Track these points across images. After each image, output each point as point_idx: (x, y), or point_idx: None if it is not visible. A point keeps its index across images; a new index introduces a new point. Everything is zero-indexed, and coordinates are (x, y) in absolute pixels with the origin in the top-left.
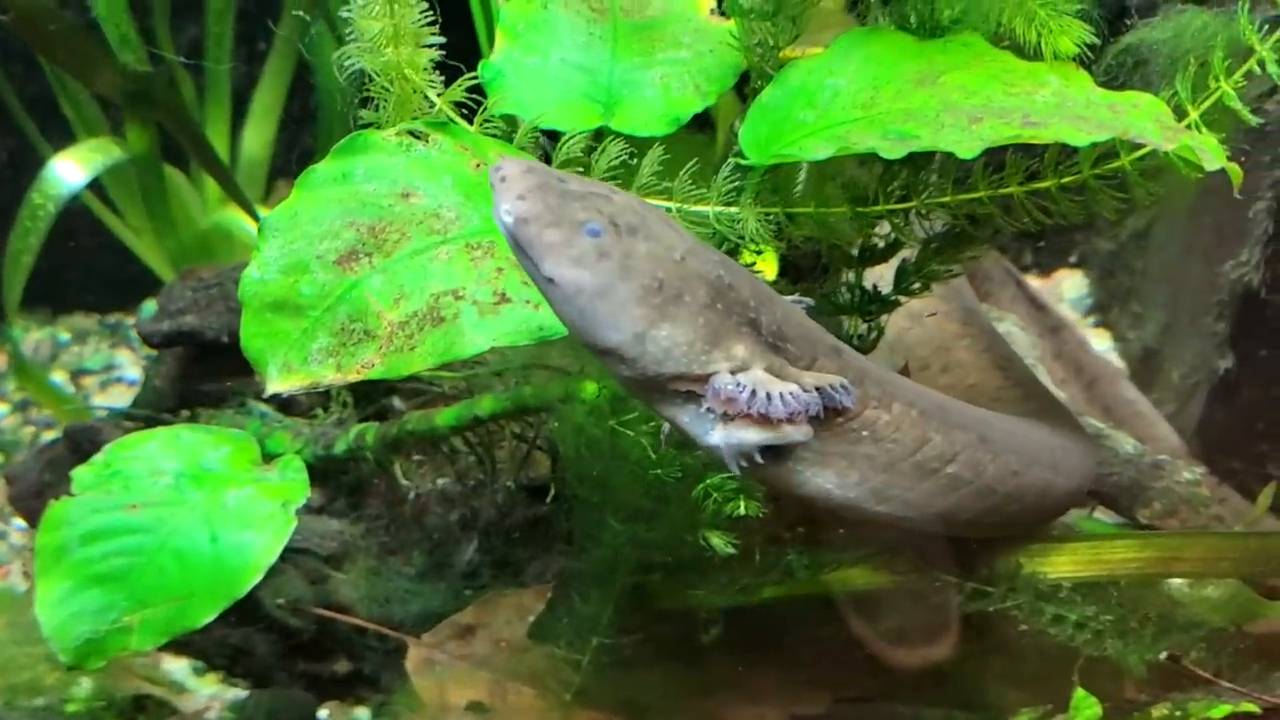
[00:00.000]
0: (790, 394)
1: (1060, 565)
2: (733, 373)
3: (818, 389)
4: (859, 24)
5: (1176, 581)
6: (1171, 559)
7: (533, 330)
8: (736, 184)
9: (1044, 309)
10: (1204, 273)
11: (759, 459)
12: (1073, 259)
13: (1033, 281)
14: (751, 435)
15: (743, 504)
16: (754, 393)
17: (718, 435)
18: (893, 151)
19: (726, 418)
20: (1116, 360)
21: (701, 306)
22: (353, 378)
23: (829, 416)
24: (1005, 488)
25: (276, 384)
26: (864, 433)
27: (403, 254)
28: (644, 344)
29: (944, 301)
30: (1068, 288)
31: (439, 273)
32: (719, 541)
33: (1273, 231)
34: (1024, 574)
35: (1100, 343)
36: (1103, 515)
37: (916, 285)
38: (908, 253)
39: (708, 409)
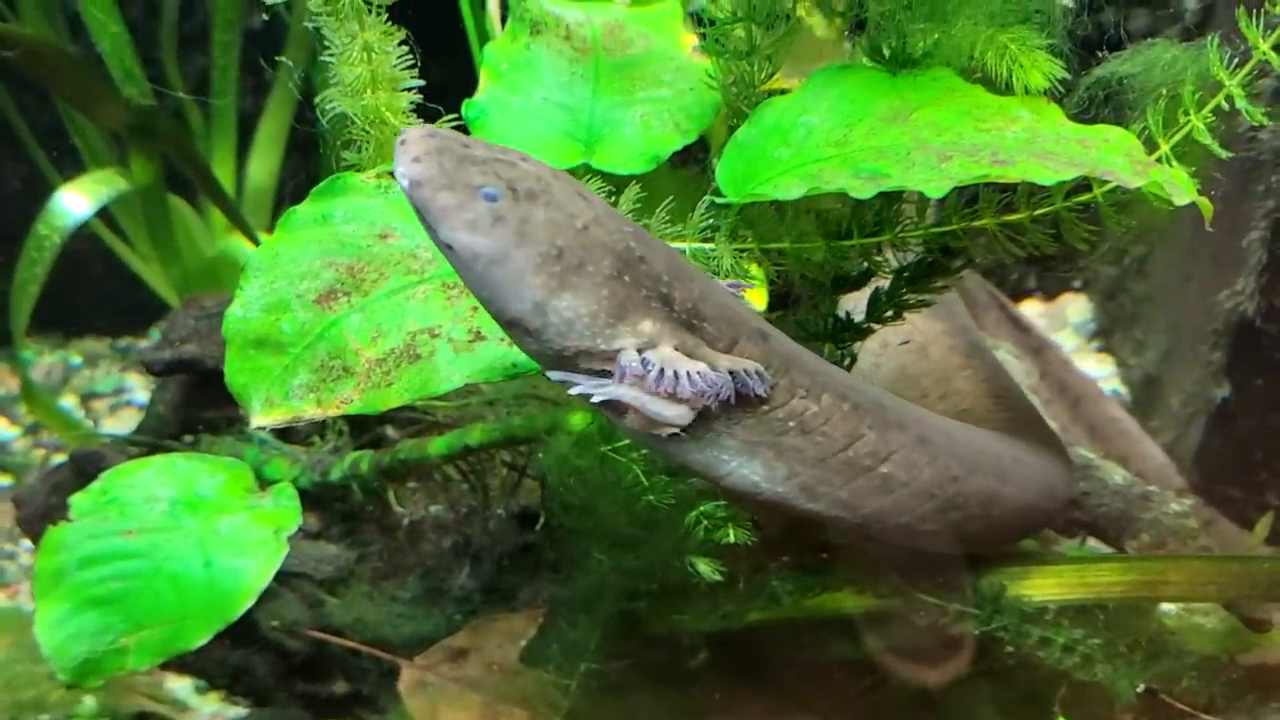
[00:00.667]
0: (697, 373)
1: (1045, 588)
2: (640, 350)
3: (731, 372)
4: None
5: (1170, 609)
6: (1157, 582)
7: (506, 367)
8: (712, 221)
9: (1027, 330)
10: (1202, 300)
11: (661, 440)
12: (1077, 283)
13: (1037, 305)
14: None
15: (731, 532)
16: (661, 371)
17: (630, 418)
18: (863, 191)
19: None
20: (1119, 386)
21: (605, 277)
22: (332, 412)
23: (753, 404)
24: (945, 493)
25: (259, 418)
26: (791, 423)
27: (380, 293)
28: (545, 314)
29: (949, 336)
30: (1072, 312)
31: (415, 311)
32: (706, 568)
33: (1267, 261)
34: (1008, 596)
35: (1103, 368)
36: (1097, 547)
37: (889, 313)
38: (881, 281)
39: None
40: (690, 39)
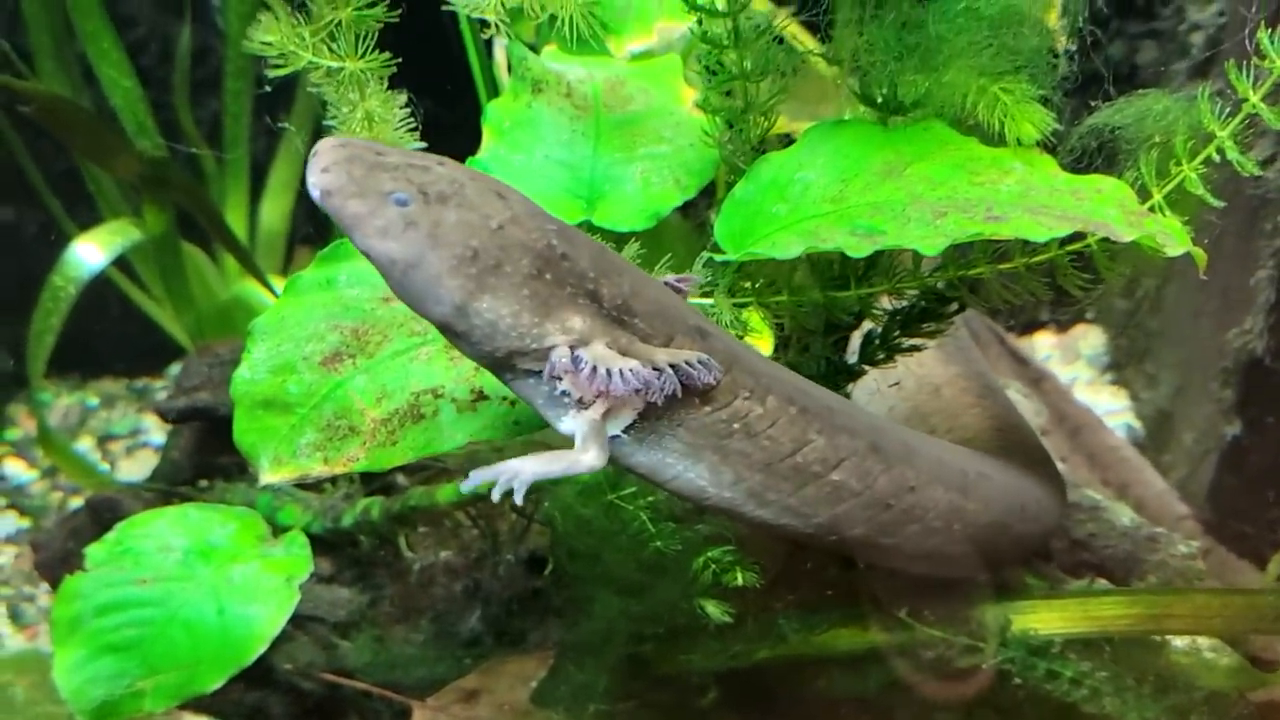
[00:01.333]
0: (630, 370)
1: (1051, 621)
2: (573, 348)
3: (672, 366)
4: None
5: (1181, 645)
6: (1161, 615)
7: (508, 426)
8: (712, 276)
9: (1026, 363)
10: (1212, 337)
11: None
12: (1089, 315)
13: (1049, 337)
14: (591, 414)
15: (740, 575)
16: (594, 369)
17: (568, 422)
18: (859, 249)
19: (582, 403)
20: (1132, 420)
21: (525, 277)
22: (339, 470)
23: (695, 405)
24: (901, 503)
25: (268, 475)
26: (735, 425)
27: (384, 355)
28: (468, 317)
29: (964, 379)
30: (1084, 344)
31: (419, 372)
32: (715, 610)
33: (1275, 300)
34: (1014, 630)
35: (1117, 401)
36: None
37: (881, 356)
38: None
39: (561, 392)
40: (690, 93)
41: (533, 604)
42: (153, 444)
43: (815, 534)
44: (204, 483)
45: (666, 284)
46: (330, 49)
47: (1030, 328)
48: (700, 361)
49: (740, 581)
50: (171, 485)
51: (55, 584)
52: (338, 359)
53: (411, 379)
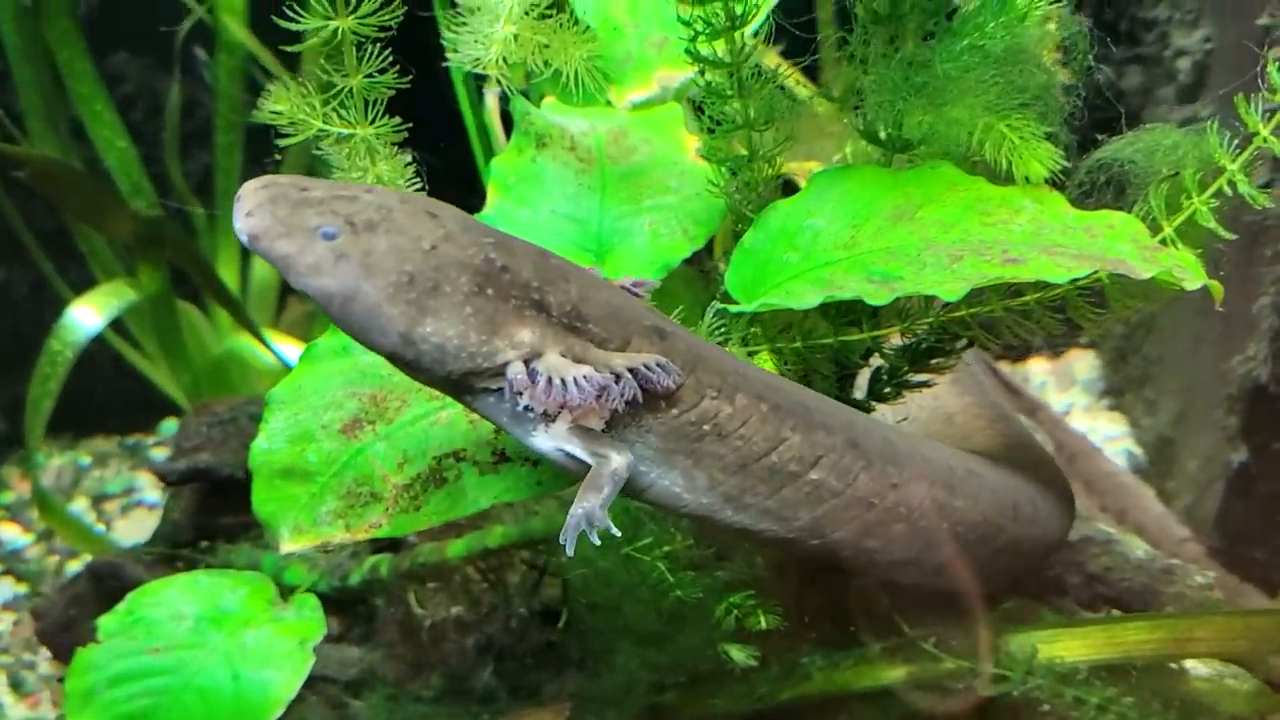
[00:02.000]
0: (583, 377)
1: (1075, 648)
2: (527, 361)
3: (630, 370)
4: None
5: (1203, 673)
6: (1184, 639)
7: (531, 486)
8: (723, 327)
9: (1018, 393)
10: (1213, 363)
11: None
12: (1084, 339)
13: (1043, 363)
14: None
15: (763, 618)
16: (549, 380)
17: (540, 438)
18: (878, 296)
19: (547, 416)
20: (1132, 446)
21: (466, 295)
22: (361, 536)
23: (661, 409)
24: (884, 501)
25: (288, 544)
26: (705, 427)
27: (404, 420)
28: (414, 344)
29: (977, 407)
30: (1080, 369)
31: (439, 436)
32: (740, 654)
33: (1278, 327)
34: (1040, 658)
35: (1114, 427)
36: None
37: (888, 390)
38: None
39: (525, 408)
40: (693, 141)
41: (547, 657)
42: (147, 502)
43: (798, 538)
44: (205, 544)
45: (623, 287)
46: (339, 115)
47: (1025, 356)
48: (659, 364)
49: (764, 624)
50: (173, 547)
51: (57, 651)
52: (357, 426)
53: (432, 443)
